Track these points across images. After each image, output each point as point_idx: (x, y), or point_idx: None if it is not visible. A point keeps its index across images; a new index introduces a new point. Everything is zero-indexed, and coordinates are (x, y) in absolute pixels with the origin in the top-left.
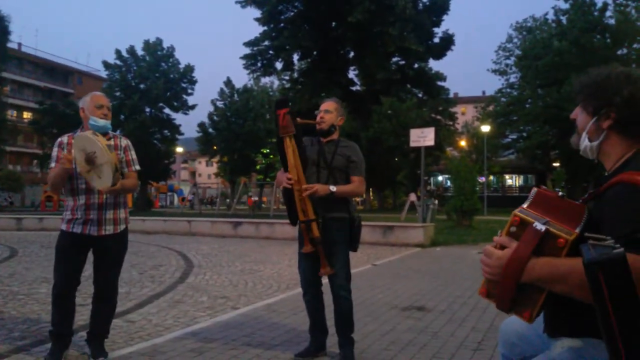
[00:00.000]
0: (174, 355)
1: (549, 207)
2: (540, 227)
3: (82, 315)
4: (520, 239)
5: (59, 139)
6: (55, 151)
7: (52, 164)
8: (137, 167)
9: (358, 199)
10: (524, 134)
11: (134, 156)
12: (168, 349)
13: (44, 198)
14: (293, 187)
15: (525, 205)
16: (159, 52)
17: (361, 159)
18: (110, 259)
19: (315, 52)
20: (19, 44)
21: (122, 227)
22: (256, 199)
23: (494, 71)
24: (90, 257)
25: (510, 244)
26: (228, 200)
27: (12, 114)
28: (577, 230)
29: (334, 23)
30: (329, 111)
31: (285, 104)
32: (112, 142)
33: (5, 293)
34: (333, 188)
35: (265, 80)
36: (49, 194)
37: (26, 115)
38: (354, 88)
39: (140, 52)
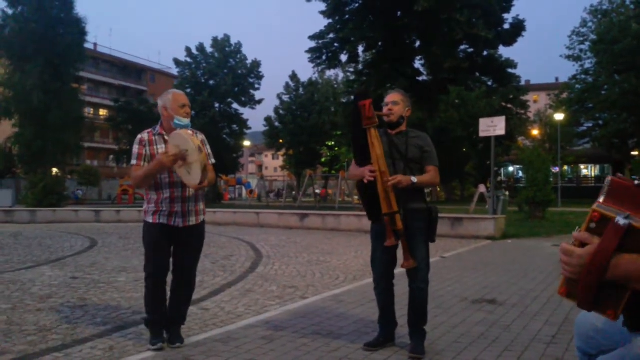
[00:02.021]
0: (246, 342)
1: (627, 198)
2: (624, 222)
3: None
4: (603, 235)
5: (140, 136)
6: (136, 148)
7: (134, 161)
8: (213, 161)
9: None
10: (600, 122)
11: (209, 150)
12: (240, 335)
13: (120, 192)
14: (377, 179)
15: (601, 200)
16: (227, 49)
17: (433, 149)
18: (191, 248)
19: (380, 43)
20: (95, 44)
21: (202, 218)
22: (318, 191)
23: (568, 57)
24: None
25: (591, 240)
26: (294, 192)
27: (89, 111)
28: None
29: (399, 12)
30: (396, 102)
31: (367, 95)
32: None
33: (88, 281)
34: (414, 179)
35: (330, 73)
36: (125, 188)
37: (102, 112)
38: (420, 78)
39: (209, 49)
